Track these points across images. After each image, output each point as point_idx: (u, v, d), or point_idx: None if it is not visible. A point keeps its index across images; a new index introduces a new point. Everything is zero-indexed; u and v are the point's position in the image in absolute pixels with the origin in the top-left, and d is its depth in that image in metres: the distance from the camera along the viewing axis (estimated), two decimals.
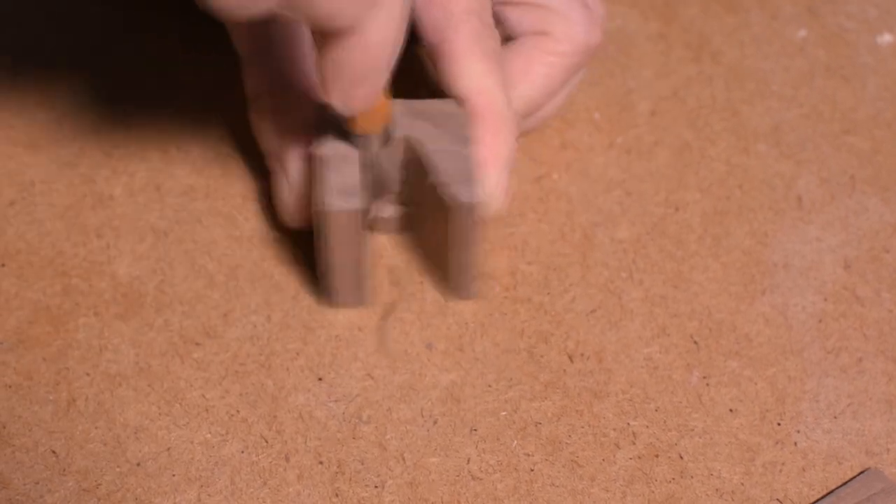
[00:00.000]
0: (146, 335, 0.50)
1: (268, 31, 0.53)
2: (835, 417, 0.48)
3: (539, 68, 0.53)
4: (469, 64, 0.50)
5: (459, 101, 0.50)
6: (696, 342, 0.50)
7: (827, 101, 0.59)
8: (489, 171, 0.50)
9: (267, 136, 0.52)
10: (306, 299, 0.51)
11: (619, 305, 0.51)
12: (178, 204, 0.54)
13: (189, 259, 0.52)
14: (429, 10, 0.51)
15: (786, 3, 0.63)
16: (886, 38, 0.62)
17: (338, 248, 0.48)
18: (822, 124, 0.58)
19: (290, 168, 0.51)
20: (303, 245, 0.53)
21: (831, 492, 0.46)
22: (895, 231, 0.54)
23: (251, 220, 0.53)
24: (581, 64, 0.54)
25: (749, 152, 0.57)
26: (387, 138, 0.49)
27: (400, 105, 0.50)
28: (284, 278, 0.52)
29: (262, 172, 0.55)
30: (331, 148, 0.49)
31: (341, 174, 0.48)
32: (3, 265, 0.52)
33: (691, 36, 0.62)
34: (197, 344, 0.50)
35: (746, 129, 0.58)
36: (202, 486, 0.46)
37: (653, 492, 0.46)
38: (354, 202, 0.47)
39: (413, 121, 0.50)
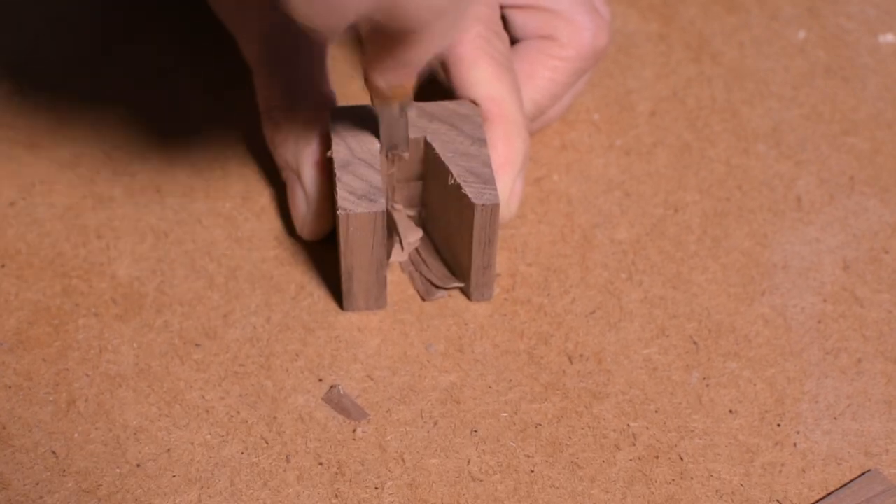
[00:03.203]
0: (146, 336, 0.50)
1: (277, 39, 0.53)
2: (834, 418, 0.48)
3: (544, 72, 0.53)
4: (478, 71, 0.50)
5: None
6: (695, 343, 0.50)
7: (827, 102, 0.59)
8: (502, 178, 0.50)
9: (282, 148, 0.52)
10: (306, 300, 0.51)
11: (618, 306, 0.51)
12: (178, 205, 0.54)
13: (189, 260, 0.52)
14: None
15: (786, 4, 0.63)
16: (889, 37, 0.62)
17: (357, 251, 0.48)
18: (822, 125, 0.58)
19: (306, 179, 0.51)
20: (303, 246, 0.53)
21: (831, 493, 0.46)
22: (894, 232, 0.54)
23: (251, 221, 0.53)
24: (587, 68, 0.54)
25: (749, 153, 0.57)
26: (408, 102, 0.48)
27: (415, 108, 0.50)
28: (284, 279, 0.52)
29: (262, 173, 0.55)
30: (349, 152, 0.49)
31: (361, 178, 0.48)
32: (3, 266, 0.52)
33: (691, 36, 0.62)
34: (197, 345, 0.50)
35: (746, 130, 0.58)
36: (202, 487, 0.46)
37: (653, 493, 0.46)
38: (375, 205, 0.47)
39: (429, 123, 0.50)
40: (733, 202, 0.55)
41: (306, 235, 0.52)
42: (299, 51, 0.52)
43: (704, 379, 0.49)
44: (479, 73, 0.50)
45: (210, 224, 0.53)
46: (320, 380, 0.49)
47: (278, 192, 0.54)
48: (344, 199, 0.47)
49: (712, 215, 0.54)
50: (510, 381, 0.49)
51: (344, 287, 0.50)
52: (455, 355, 0.49)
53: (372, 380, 0.49)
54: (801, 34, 0.62)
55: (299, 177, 0.51)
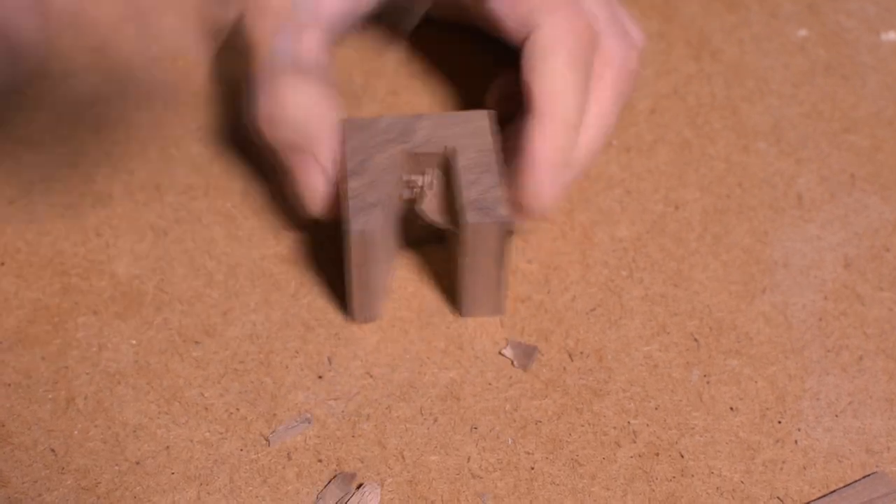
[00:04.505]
0: (145, 334, 0.50)
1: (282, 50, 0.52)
2: (835, 416, 0.48)
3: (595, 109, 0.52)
4: (547, 63, 0.49)
5: (528, 94, 0.49)
6: (696, 340, 0.50)
7: (827, 100, 0.59)
8: (534, 174, 0.49)
9: (283, 125, 0.49)
10: (306, 297, 0.51)
11: (619, 304, 0.51)
12: (178, 203, 0.54)
13: (188, 258, 0.52)
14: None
15: (786, 2, 0.63)
16: (891, 35, 0.62)
17: (355, 265, 0.48)
18: (822, 122, 0.58)
19: (323, 149, 0.49)
20: (302, 244, 0.53)
21: (833, 491, 0.46)
22: (895, 229, 0.54)
23: (250, 219, 0.53)
24: (626, 91, 0.53)
25: (749, 150, 0.57)
26: None
27: (431, 118, 0.50)
28: (284, 276, 0.51)
29: (262, 171, 0.55)
30: (357, 160, 0.48)
31: (365, 189, 0.47)
32: (3, 264, 0.52)
33: (691, 34, 0.62)
34: (196, 342, 0.49)
35: (746, 128, 0.58)
36: (201, 484, 0.46)
37: (653, 490, 0.46)
38: (372, 222, 0.47)
39: (444, 132, 0.49)
40: (734, 199, 0.55)
41: (321, 214, 0.50)
42: (309, 34, 0.51)
43: (705, 376, 0.49)
44: (548, 66, 0.49)
45: (209, 222, 0.53)
46: (320, 377, 0.49)
47: (277, 189, 0.54)
48: (347, 213, 0.47)
49: (713, 213, 0.54)
50: (510, 377, 0.49)
51: (346, 294, 0.49)
52: (455, 352, 0.49)
53: (371, 377, 0.49)
54: (802, 32, 0.62)
55: (312, 150, 0.49)
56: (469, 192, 0.48)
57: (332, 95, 0.50)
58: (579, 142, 0.51)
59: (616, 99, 0.52)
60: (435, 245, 0.52)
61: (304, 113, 0.49)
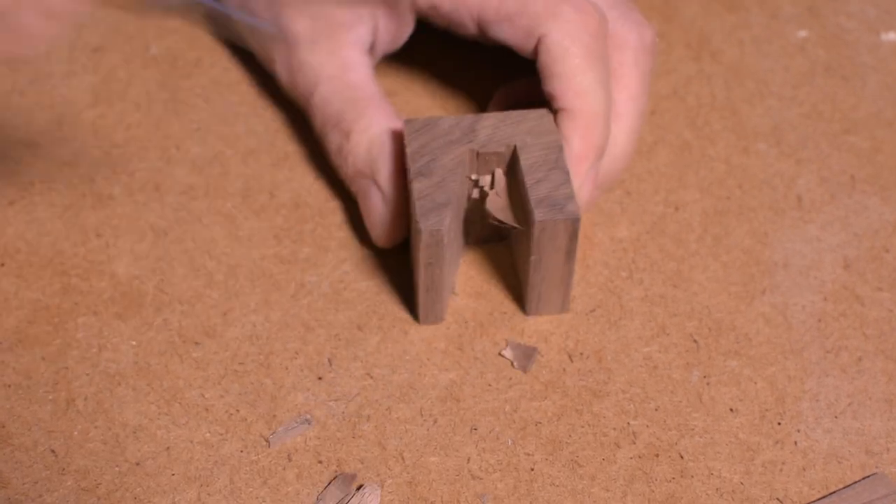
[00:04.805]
0: (145, 334, 0.50)
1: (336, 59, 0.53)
2: (835, 417, 0.48)
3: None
4: (566, 63, 0.50)
5: (553, 99, 0.50)
6: (695, 341, 0.50)
7: (827, 101, 0.59)
8: (575, 171, 0.49)
9: (353, 157, 0.52)
10: (305, 298, 0.51)
11: (618, 305, 0.51)
12: (178, 203, 0.54)
13: (188, 258, 0.52)
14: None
15: (786, 3, 0.63)
16: (891, 35, 0.62)
17: (424, 265, 0.47)
18: (822, 123, 0.58)
19: (383, 182, 0.50)
20: (302, 244, 0.53)
21: (833, 492, 0.46)
22: (895, 230, 0.54)
23: (250, 220, 0.53)
24: (649, 70, 0.53)
25: (749, 152, 0.57)
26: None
27: (492, 118, 0.50)
28: (284, 277, 0.52)
29: (261, 171, 0.55)
30: (423, 163, 0.48)
31: (433, 190, 0.47)
32: (3, 264, 0.52)
33: (691, 35, 0.62)
34: (196, 343, 0.49)
35: (746, 129, 0.58)
36: (202, 485, 0.46)
37: (653, 491, 0.46)
38: (442, 222, 0.46)
39: (507, 131, 0.49)
40: (734, 201, 0.55)
41: (383, 243, 0.52)
42: (356, 66, 0.53)
43: (705, 377, 0.49)
44: (566, 65, 0.50)
45: (209, 222, 0.53)
46: (320, 378, 0.49)
47: (277, 190, 0.54)
48: (418, 211, 0.47)
49: (713, 214, 0.54)
50: (510, 378, 0.49)
51: (422, 300, 0.49)
52: (455, 353, 0.49)
53: (371, 378, 0.49)
54: (802, 33, 0.62)
55: (376, 182, 0.51)
56: (537, 189, 0.47)
57: (390, 121, 0.51)
58: (619, 130, 0.52)
59: (642, 79, 0.53)
60: (496, 244, 0.52)
61: (366, 150, 0.51)
